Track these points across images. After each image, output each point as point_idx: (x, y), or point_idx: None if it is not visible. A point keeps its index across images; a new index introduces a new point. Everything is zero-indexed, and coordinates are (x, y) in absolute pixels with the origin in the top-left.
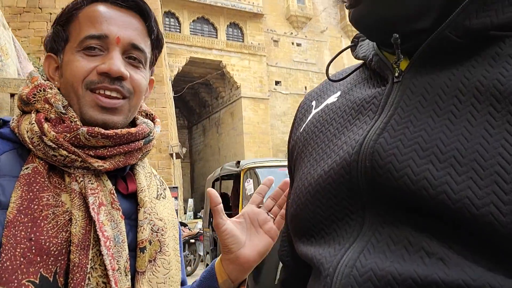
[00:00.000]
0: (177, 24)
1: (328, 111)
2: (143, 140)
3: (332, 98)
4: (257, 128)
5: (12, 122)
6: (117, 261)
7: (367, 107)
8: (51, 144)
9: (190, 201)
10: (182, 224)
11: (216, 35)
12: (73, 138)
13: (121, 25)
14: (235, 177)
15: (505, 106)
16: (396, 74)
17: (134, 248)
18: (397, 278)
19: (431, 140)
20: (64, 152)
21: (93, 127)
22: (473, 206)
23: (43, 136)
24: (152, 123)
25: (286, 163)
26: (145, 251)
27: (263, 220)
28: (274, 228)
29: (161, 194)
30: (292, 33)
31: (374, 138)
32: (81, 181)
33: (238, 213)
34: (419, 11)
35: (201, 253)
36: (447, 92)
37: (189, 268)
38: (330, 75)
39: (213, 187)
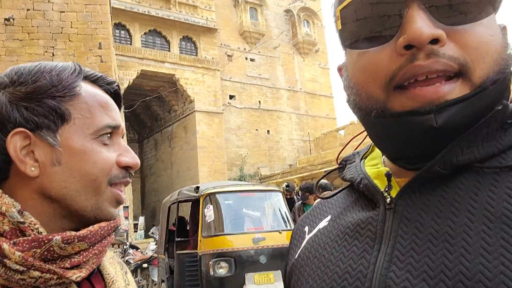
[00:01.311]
0: (127, 36)
1: (320, 235)
2: (113, 232)
3: (323, 223)
4: (211, 142)
5: None
6: None
7: (363, 234)
8: (18, 267)
9: (141, 219)
10: (134, 247)
11: (169, 48)
12: (46, 253)
13: (118, 114)
14: (194, 202)
15: (497, 225)
16: (388, 201)
17: None
18: None
19: (436, 267)
20: (37, 273)
21: (66, 232)
22: None
23: (5, 260)
24: None
25: (246, 188)
26: None
27: None
28: None
29: (126, 279)
30: (245, 48)
31: (383, 273)
32: None
33: (196, 240)
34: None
35: (155, 279)
36: (441, 216)
37: None
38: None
39: (168, 211)
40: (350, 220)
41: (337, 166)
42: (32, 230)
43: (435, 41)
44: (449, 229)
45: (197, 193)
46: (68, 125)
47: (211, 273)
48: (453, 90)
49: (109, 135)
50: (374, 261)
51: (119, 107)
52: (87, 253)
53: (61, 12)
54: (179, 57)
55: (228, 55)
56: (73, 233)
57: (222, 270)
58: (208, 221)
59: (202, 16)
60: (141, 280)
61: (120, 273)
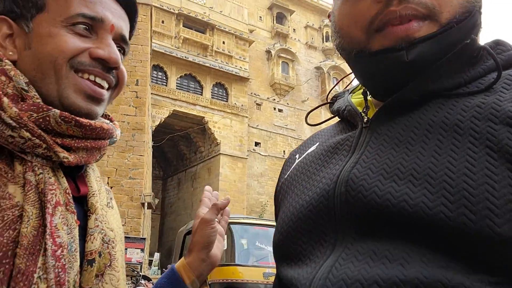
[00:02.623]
0: (164, 78)
1: (308, 157)
2: (109, 140)
3: (312, 148)
4: (233, 186)
5: None
6: (68, 274)
7: (341, 148)
8: (10, 122)
9: (156, 255)
10: (146, 278)
11: (202, 92)
12: (41, 120)
13: (114, 13)
14: None
15: (450, 133)
16: (365, 121)
17: (81, 260)
18: (363, 283)
19: (393, 165)
20: (27, 134)
21: (65, 112)
22: (427, 207)
23: (1, 111)
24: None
25: (261, 222)
26: (93, 264)
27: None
28: (221, 229)
29: (109, 202)
30: (274, 99)
31: (348, 169)
32: (40, 172)
33: None
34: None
35: None
36: (406, 129)
37: None
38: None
39: (183, 240)
40: (333, 141)
41: (329, 101)
42: (34, 101)
43: None
44: (411, 139)
45: None
46: (43, 13)
47: None
48: (421, 28)
49: (87, 27)
50: (345, 164)
51: (133, 14)
52: (79, 140)
53: None
54: (210, 101)
55: (257, 104)
56: (74, 116)
57: None
58: None
59: (236, 66)
60: None
61: (104, 194)
